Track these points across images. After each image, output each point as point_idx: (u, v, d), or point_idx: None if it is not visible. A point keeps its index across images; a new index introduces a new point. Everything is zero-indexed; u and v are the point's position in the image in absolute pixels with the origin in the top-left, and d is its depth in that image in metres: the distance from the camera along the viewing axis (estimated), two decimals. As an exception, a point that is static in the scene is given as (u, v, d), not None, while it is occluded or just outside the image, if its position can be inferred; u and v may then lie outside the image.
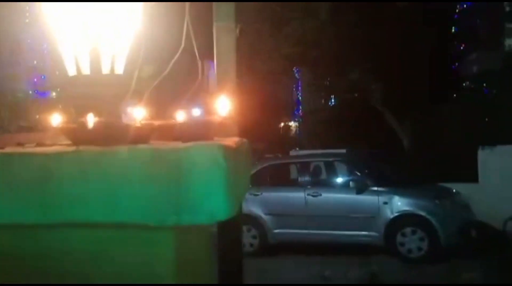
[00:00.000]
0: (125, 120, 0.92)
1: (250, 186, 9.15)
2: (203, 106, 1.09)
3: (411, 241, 8.02)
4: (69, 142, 0.92)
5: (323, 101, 21.91)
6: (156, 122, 0.96)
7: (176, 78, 1.22)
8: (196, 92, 1.09)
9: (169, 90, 1.34)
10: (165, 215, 0.69)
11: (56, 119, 1.00)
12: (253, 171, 9.65)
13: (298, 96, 29.34)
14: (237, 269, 1.23)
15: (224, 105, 0.95)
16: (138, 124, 0.89)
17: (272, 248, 8.94)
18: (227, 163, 0.66)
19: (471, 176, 11.13)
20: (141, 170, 0.70)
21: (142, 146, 0.75)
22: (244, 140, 1.00)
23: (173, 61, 1.23)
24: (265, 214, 9.02)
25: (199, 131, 0.81)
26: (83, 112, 0.85)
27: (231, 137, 0.98)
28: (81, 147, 0.81)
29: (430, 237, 7.94)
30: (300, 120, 26.93)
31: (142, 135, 0.84)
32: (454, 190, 9.26)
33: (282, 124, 27.32)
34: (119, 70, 0.98)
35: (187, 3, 1.19)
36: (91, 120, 0.82)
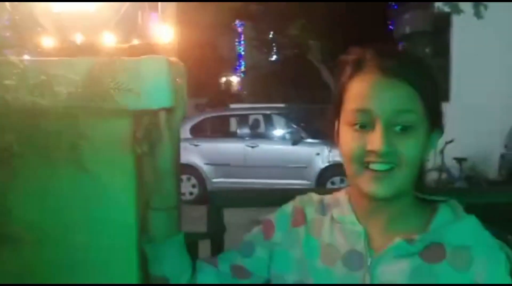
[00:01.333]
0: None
1: (191, 136, 9.47)
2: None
3: (340, 189, 8.65)
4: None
5: (265, 56, 22.16)
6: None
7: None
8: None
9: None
10: (128, 98, 0.95)
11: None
12: (193, 123, 9.92)
13: (241, 51, 29.39)
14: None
15: (165, 35, 1.20)
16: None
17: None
18: (168, 67, 0.96)
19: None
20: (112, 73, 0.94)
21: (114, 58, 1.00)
22: (181, 63, 1.28)
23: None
24: (205, 164, 9.35)
25: (146, 52, 1.09)
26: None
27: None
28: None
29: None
30: (242, 75, 27.14)
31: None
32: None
33: (224, 79, 27.44)
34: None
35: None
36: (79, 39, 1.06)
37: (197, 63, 21.71)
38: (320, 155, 8.80)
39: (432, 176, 9.80)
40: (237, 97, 22.18)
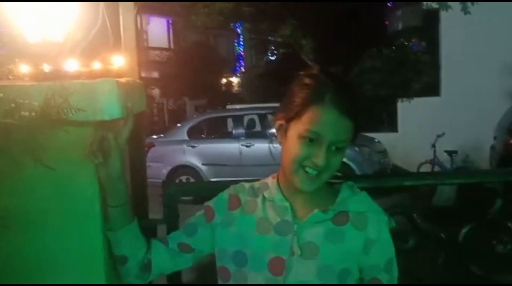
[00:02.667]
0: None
1: (188, 138, 9.75)
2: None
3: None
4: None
5: (263, 56, 22.38)
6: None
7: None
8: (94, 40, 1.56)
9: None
10: (79, 115, 1.21)
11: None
12: (190, 125, 10.20)
13: (240, 51, 29.64)
14: (142, 167, 1.72)
15: (120, 60, 1.47)
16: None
17: (210, 196, 9.57)
18: (117, 87, 1.23)
19: (392, 126, 12.15)
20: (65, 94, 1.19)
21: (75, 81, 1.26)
22: (138, 81, 1.55)
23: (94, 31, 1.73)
24: (202, 164, 9.61)
25: (104, 75, 1.36)
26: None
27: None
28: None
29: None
30: (242, 75, 27.36)
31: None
32: (375, 139, 10.18)
33: (224, 80, 27.68)
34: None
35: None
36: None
37: (196, 66, 21.98)
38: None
39: (425, 169, 10.03)
40: (237, 98, 22.42)
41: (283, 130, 1.24)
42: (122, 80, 1.35)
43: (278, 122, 1.26)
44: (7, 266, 1.34)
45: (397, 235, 1.29)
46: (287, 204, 1.26)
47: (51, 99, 1.01)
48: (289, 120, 1.22)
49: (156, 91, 27.08)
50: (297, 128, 1.19)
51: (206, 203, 1.40)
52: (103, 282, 1.37)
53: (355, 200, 1.27)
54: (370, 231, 1.23)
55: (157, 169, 9.27)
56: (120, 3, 1.74)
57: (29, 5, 1.52)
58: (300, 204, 1.27)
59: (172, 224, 1.52)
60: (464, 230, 1.31)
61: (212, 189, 1.46)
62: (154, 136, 10.37)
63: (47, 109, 1.00)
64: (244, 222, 1.29)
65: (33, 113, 0.98)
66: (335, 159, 1.20)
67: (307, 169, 1.20)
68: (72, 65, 1.39)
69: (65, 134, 1.17)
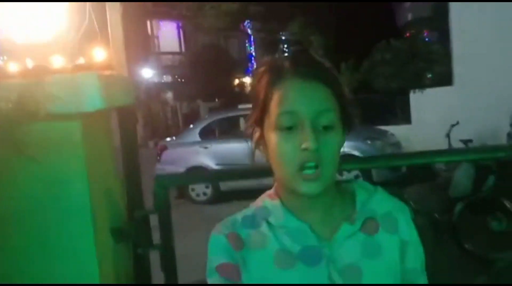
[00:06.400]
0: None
1: (200, 139, 9.79)
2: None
3: (347, 179, 8.84)
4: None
5: (274, 55, 22.34)
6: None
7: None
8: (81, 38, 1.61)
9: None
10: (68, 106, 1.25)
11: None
12: (202, 126, 10.23)
13: (251, 51, 29.67)
14: (134, 156, 1.74)
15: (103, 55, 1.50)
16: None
17: (225, 196, 9.60)
18: (100, 79, 1.26)
19: (405, 118, 12.06)
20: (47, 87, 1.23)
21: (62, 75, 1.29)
22: (124, 75, 1.58)
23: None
24: (216, 164, 9.63)
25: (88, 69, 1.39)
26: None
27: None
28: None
29: (363, 173, 8.77)
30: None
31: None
32: (388, 132, 10.11)
33: (237, 80, 27.72)
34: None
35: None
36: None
37: (208, 68, 22.06)
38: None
39: (440, 160, 9.92)
40: (250, 98, 22.34)
41: (262, 139, 1.02)
42: (105, 73, 1.37)
43: (255, 135, 1.04)
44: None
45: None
46: (304, 225, 1.00)
47: (29, 91, 1.03)
48: (260, 122, 1.01)
49: (169, 95, 27.28)
50: (270, 124, 0.98)
51: (211, 265, 1.03)
52: (96, 277, 1.39)
53: (377, 200, 1.06)
54: (402, 232, 1.05)
55: (171, 172, 9.32)
56: (107, 3, 1.77)
57: (17, 5, 1.55)
58: (318, 220, 1.02)
59: (163, 214, 1.54)
60: (458, 208, 1.30)
61: (202, 179, 1.47)
62: (168, 139, 10.43)
63: (25, 101, 1.02)
64: (257, 261, 1.01)
65: (10, 105, 1.00)
66: (329, 141, 0.95)
67: (304, 170, 0.95)
68: (58, 61, 1.42)
69: (51, 128, 1.20)
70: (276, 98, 0.97)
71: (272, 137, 0.97)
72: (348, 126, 1.02)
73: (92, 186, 1.38)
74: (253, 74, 1.05)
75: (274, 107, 0.97)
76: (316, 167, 0.94)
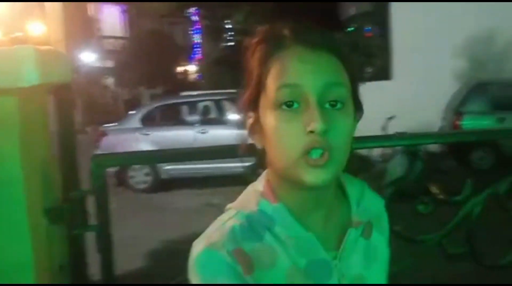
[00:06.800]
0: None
1: (142, 126, 9.64)
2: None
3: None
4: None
5: (219, 43, 22.25)
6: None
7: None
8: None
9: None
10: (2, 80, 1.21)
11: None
12: (143, 112, 10.06)
13: (197, 39, 29.36)
14: (70, 136, 1.70)
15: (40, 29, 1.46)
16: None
17: (165, 184, 9.52)
18: (36, 53, 1.23)
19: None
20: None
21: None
22: (62, 52, 1.54)
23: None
24: (157, 152, 9.51)
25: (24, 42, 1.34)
26: None
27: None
28: None
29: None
30: (198, 63, 27.14)
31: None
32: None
33: (180, 68, 27.38)
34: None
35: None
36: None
37: (151, 54, 21.66)
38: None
39: (375, 152, 10.28)
40: (194, 86, 22.19)
41: (258, 124, 0.83)
42: (42, 47, 1.33)
43: (248, 118, 0.85)
44: None
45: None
46: (310, 235, 0.83)
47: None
48: (255, 104, 0.82)
49: (111, 81, 26.56)
50: (267, 103, 0.79)
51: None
52: (29, 258, 1.36)
53: (368, 198, 0.92)
54: (387, 230, 0.95)
55: (110, 157, 9.11)
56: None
57: None
58: (321, 223, 0.85)
59: (100, 195, 1.51)
60: (387, 192, 1.37)
61: (143, 159, 1.46)
62: (107, 125, 10.18)
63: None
64: (270, 280, 0.81)
65: None
66: (341, 122, 0.77)
67: (309, 154, 0.76)
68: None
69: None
70: (274, 70, 0.79)
71: (270, 118, 0.78)
72: (358, 112, 0.84)
73: (25, 165, 1.34)
74: (245, 47, 0.85)
75: (271, 82, 0.79)
76: (322, 152, 0.76)
